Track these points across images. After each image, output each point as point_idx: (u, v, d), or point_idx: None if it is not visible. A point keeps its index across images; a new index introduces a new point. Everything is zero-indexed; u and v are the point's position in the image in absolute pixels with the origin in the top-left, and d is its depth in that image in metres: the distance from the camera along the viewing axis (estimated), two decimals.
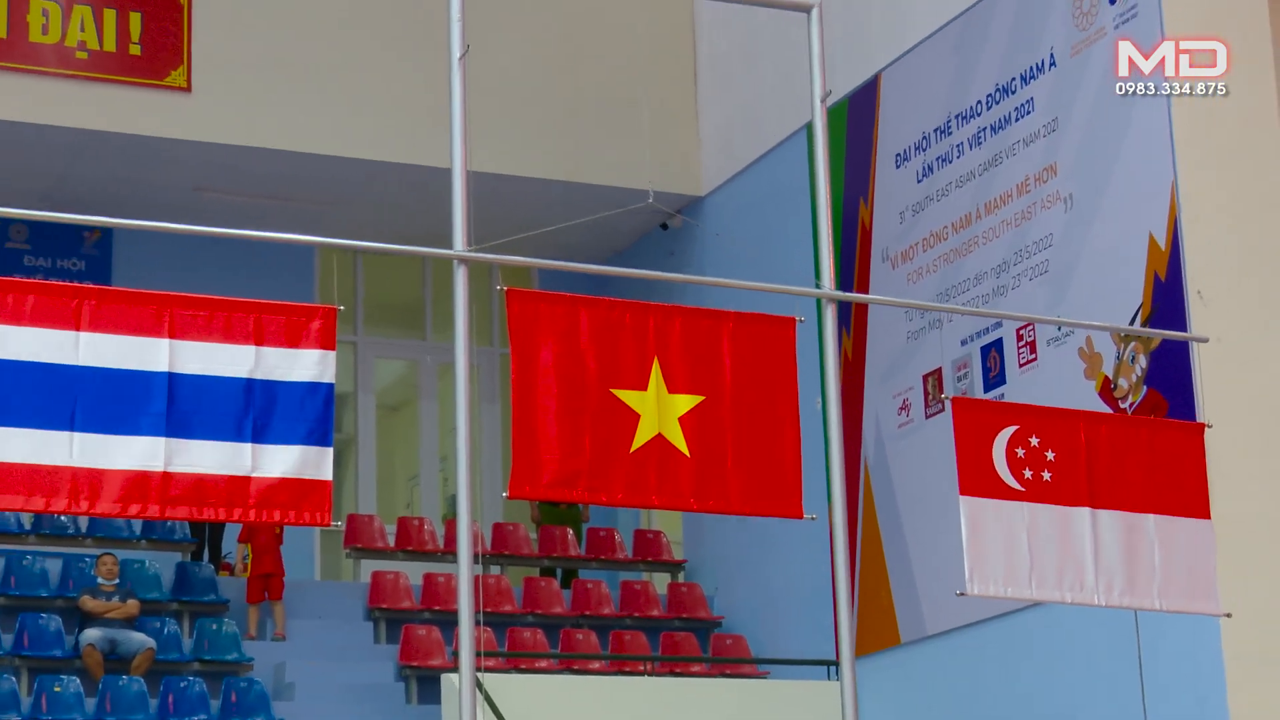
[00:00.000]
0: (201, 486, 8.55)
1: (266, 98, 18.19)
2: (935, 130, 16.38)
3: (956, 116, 16.14)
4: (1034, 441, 10.07)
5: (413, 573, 18.26)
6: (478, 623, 9.09)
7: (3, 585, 16.83)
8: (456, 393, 9.16)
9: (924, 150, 16.50)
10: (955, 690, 15.54)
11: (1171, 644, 13.55)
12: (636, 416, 9.28)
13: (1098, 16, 14.71)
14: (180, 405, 8.56)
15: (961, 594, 9.79)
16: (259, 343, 8.72)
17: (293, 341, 8.77)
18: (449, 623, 16.96)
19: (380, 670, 17.03)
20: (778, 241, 17.86)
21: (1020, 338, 15.26)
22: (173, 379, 8.58)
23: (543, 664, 17.20)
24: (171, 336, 8.61)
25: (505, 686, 15.29)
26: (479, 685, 14.54)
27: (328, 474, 8.74)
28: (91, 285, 8.71)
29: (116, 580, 16.58)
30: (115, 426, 8.47)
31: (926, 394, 16.13)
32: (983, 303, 15.64)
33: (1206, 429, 10.68)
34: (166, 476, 8.49)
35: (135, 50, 17.81)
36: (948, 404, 10.19)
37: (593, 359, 9.26)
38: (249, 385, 8.69)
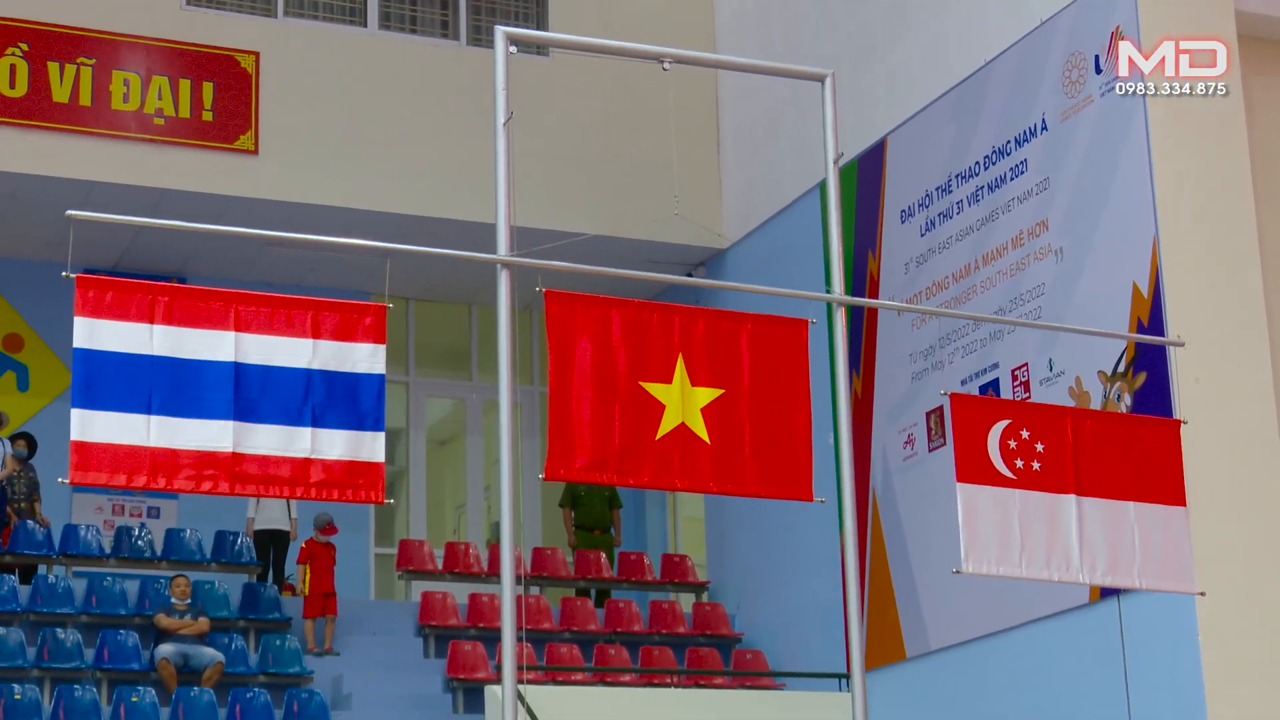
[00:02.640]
0: (266, 467, 8.65)
1: (327, 159, 18.33)
2: (937, 189, 16.44)
3: (956, 176, 16.20)
4: (1025, 434, 10.12)
5: (459, 593, 18.30)
6: (519, 639, 9.14)
7: (85, 605, 16.89)
8: (500, 423, 9.22)
9: (927, 207, 16.56)
10: (956, 700, 15.55)
11: (1154, 657, 13.58)
12: (662, 407, 9.35)
13: (1085, 85, 14.77)
14: (246, 392, 8.66)
15: (957, 571, 9.84)
16: (316, 336, 8.82)
17: (347, 336, 8.87)
18: (492, 639, 17.04)
19: (429, 682, 17.07)
20: (793, 287, 17.90)
21: (1015, 377, 15.29)
22: (239, 369, 8.67)
23: (578, 677, 17.21)
24: (237, 330, 8.70)
25: (544, 697, 15.31)
26: (520, 696, 14.61)
27: (380, 456, 8.82)
28: (165, 283, 8.76)
29: (189, 600, 16.64)
30: (188, 411, 8.57)
31: (929, 430, 16.16)
32: (980, 346, 15.67)
33: (1183, 425, 10.75)
34: (235, 457, 8.59)
35: (207, 116, 17.97)
36: (946, 398, 10.22)
37: (623, 354, 9.33)
38: (308, 375, 8.77)
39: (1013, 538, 9.92)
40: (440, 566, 18.74)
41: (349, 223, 18.30)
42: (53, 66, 17.53)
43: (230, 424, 8.60)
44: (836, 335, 10.03)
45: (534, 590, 18.67)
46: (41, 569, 17.45)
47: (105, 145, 17.56)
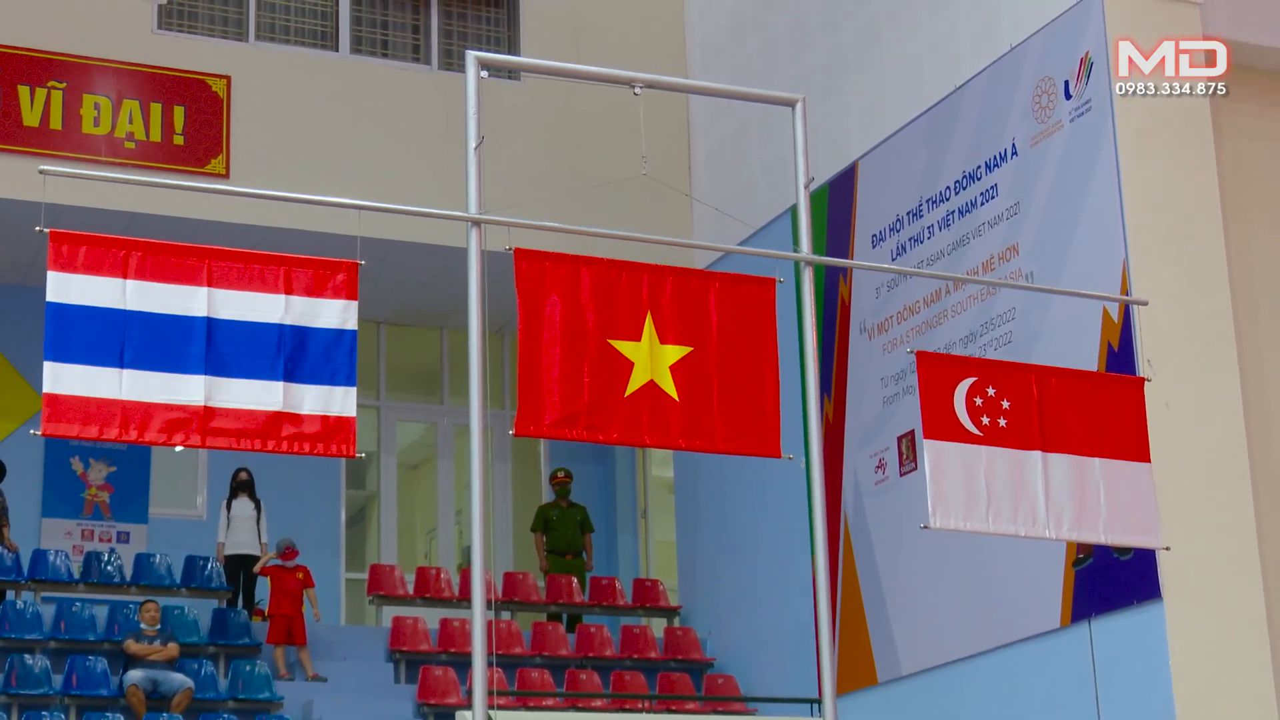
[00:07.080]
0: (238, 420, 8.69)
1: (298, 183, 18.28)
2: (908, 213, 16.47)
3: (927, 201, 16.23)
4: (991, 391, 10.17)
5: (430, 618, 18.23)
6: (490, 664, 9.13)
7: (54, 630, 16.79)
8: (471, 448, 9.22)
9: (898, 231, 16.59)
10: None
11: (1126, 681, 13.58)
12: (631, 364, 9.40)
13: (1055, 110, 14.82)
14: (218, 347, 8.71)
15: (925, 527, 9.86)
16: (288, 292, 8.86)
17: (319, 292, 8.92)
18: (463, 664, 16.97)
19: (400, 708, 17.00)
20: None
21: None
22: (211, 324, 8.71)
23: (549, 702, 17.16)
24: (210, 285, 8.72)
25: None
26: None
27: (352, 411, 8.89)
28: (138, 239, 8.78)
29: (158, 625, 16.57)
30: (160, 365, 8.60)
31: (900, 454, 16.16)
32: None
33: (1146, 383, 10.81)
34: (207, 411, 8.63)
35: (179, 140, 17.93)
36: (915, 374, 10.25)
37: (592, 312, 9.40)
38: (280, 330, 8.82)
39: (979, 493, 10.00)
40: (411, 591, 18.67)
41: (318, 246, 18.22)
42: (23, 90, 17.47)
43: (202, 378, 8.64)
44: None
45: (505, 615, 18.63)
46: (10, 594, 17.34)
47: (76, 169, 17.48)
